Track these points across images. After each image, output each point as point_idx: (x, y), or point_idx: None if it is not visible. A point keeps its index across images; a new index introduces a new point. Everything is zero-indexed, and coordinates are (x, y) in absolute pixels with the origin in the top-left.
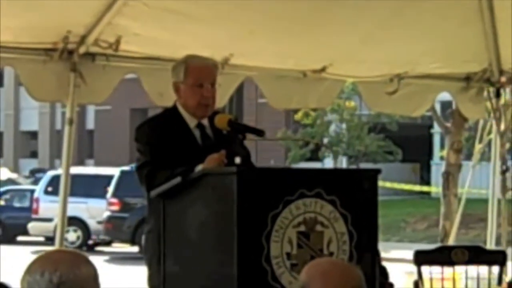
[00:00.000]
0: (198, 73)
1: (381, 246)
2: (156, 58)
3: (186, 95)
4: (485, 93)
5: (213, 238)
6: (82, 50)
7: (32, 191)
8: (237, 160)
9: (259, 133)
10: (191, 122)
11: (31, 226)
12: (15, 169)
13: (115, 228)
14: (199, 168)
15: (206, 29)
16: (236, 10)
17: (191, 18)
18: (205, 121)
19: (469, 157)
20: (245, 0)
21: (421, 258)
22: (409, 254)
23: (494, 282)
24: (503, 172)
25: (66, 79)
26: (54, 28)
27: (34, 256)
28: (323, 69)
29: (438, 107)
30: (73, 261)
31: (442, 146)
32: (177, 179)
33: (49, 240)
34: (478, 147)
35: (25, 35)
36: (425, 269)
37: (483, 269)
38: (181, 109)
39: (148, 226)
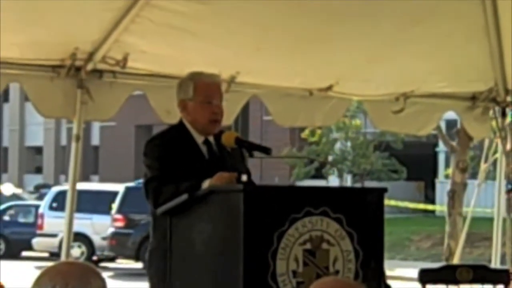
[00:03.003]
0: (207, 90)
1: (385, 264)
2: (163, 76)
3: (196, 112)
4: (491, 113)
5: (219, 255)
6: (89, 67)
7: (37, 207)
8: (244, 177)
9: (266, 150)
10: (199, 138)
11: (35, 241)
12: (20, 184)
13: (119, 244)
14: (206, 183)
15: (213, 46)
16: (242, 28)
17: (198, 36)
18: (211, 138)
19: (474, 176)
20: (252, 18)
21: (426, 277)
22: (413, 273)
23: None
24: (509, 192)
25: (73, 95)
26: (61, 45)
27: (38, 272)
28: (329, 88)
29: (443, 126)
30: (83, 274)
31: (446, 165)
32: (184, 196)
33: (54, 255)
34: (483, 166)
35: (33, 51)
36: (430, 287)
37: None
38: (188, 126)
39: (152, 242)
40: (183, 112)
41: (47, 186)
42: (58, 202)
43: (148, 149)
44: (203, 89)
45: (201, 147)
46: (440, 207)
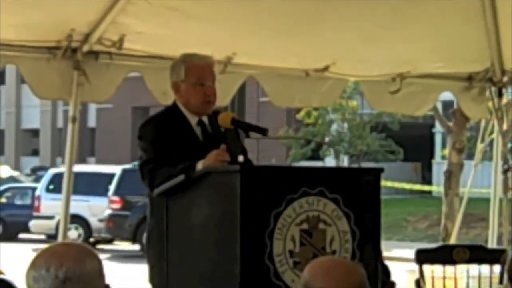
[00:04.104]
0: (199, 72)
1: (382, 245)
2: (160, 57)
3: (188, 94)
4: (487, 93)
5: (216, 236)
6: (85, 48)
7: (34, 189)
8: (240, 158)
9: (263, 131)
10: (192, 119)
11: (32, 223)
12: (17, 166)
13: (116, 226)
14: (200, 164)
15: (209, 28)
16: (239, 9)
17: (195, 17)
18: (204, 119)
19: (470, 156)
20: None
21: (422, 257)
22: (410, 253)
23: (496, 281)
24: (505, 172)
25: (69, 77)
26: (57, 26)
27: (35, 254)
28: (325, 68)
29: (439, 107)
30: (78, 255)
31: (443, 146)
32: (181, 177)
33: (51, 237)
34: (480, 146)
35: (29, 33)
36: (426, 268)
37: (484, 268)
38: (182, 108)
39: (150, 224)
40: (177, 94)
41: (44, 169)
42: (55, 184)
43: (142, 132)
44: (195, 71)
45: (195, 129)
46: (437, 188)
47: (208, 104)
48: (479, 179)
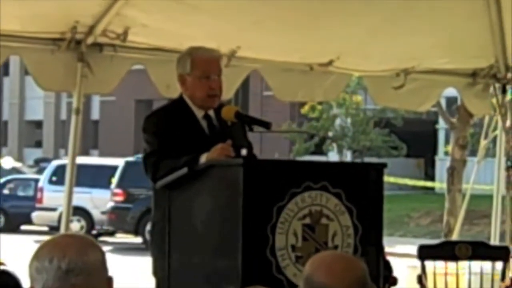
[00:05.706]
0: (204, 65)
1: (385, 240)
2: (164, 50)
3: (194, 87)
4: (491, 89)
5: (218, 229)
6: (90, 40)
7: (37, 181)
8: (244, 152)
9: (266, 125)
10: (199, 113)
11: (35, 215)
12: (20, 158)
13: (118, 219)
14: (203, 157)
15: (213, 21)
16: (243, 3)
17: (199, 10)
18: (211, 112)
19: (474, 153)
20: None
21: (425, 253)
22: (412, 249)
23: (497, 278)
24: (508, 168)
25: (73, 69)
26: (62, 18)
27: (37, 245)
28: (329, 63)
29: (443, 103)
30: (81, 246)
31: (446, 142)
32: (184, 170)
33: (53, 229)
34: (483, 143)
35: (33, 24)
36: (428, 263)
37: (486, 265)
38: (188, 101)
39: (154, 216)
40: (182, 87)
41: (47, 160)
42: (58, 176)
43: (147, 124)
44: (200, 64)
45: (201, 122)
46: (440, 184)
47: (213, 97)
48: (482, 175)
